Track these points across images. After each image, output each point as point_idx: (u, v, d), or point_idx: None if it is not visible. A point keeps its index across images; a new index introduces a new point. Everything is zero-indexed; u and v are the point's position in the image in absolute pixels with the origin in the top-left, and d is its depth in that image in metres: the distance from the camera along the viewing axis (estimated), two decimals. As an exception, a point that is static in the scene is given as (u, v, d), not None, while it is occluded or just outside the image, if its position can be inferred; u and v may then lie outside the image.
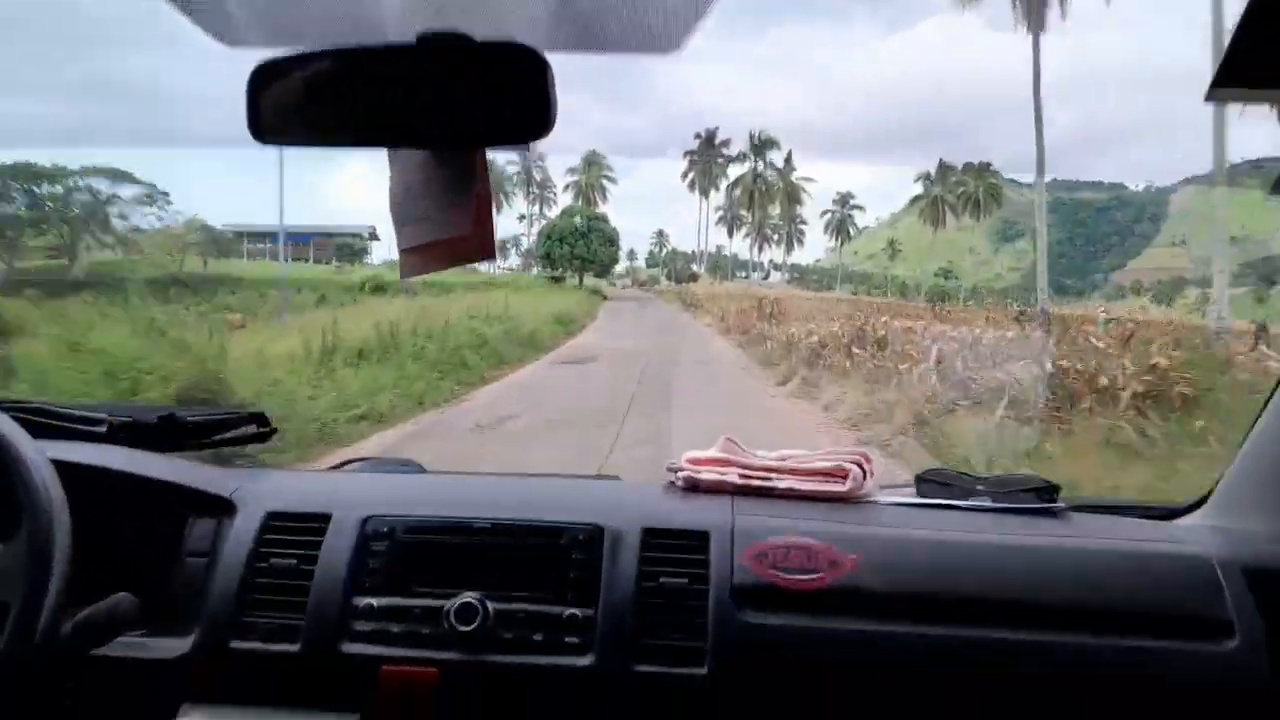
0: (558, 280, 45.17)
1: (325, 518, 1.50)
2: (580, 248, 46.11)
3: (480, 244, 1.11)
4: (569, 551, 1.44)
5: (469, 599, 1.38)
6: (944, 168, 75.41)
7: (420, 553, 1.46)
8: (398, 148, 1.07)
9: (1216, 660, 1.33)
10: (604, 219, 50.46)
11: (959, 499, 1.64)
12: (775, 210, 76.91)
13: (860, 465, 1.62)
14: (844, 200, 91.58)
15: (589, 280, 48.61)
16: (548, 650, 1.38)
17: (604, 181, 72.82)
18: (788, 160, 74.46)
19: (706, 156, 74.05)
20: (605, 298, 42.77)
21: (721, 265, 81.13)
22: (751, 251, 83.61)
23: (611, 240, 48.16)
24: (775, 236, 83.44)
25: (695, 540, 1.45)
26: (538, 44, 0.89)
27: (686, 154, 75.38)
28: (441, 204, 1.08)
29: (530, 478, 1.91)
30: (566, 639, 1.38)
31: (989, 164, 73.70)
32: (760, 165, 73.79)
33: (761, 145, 73.84)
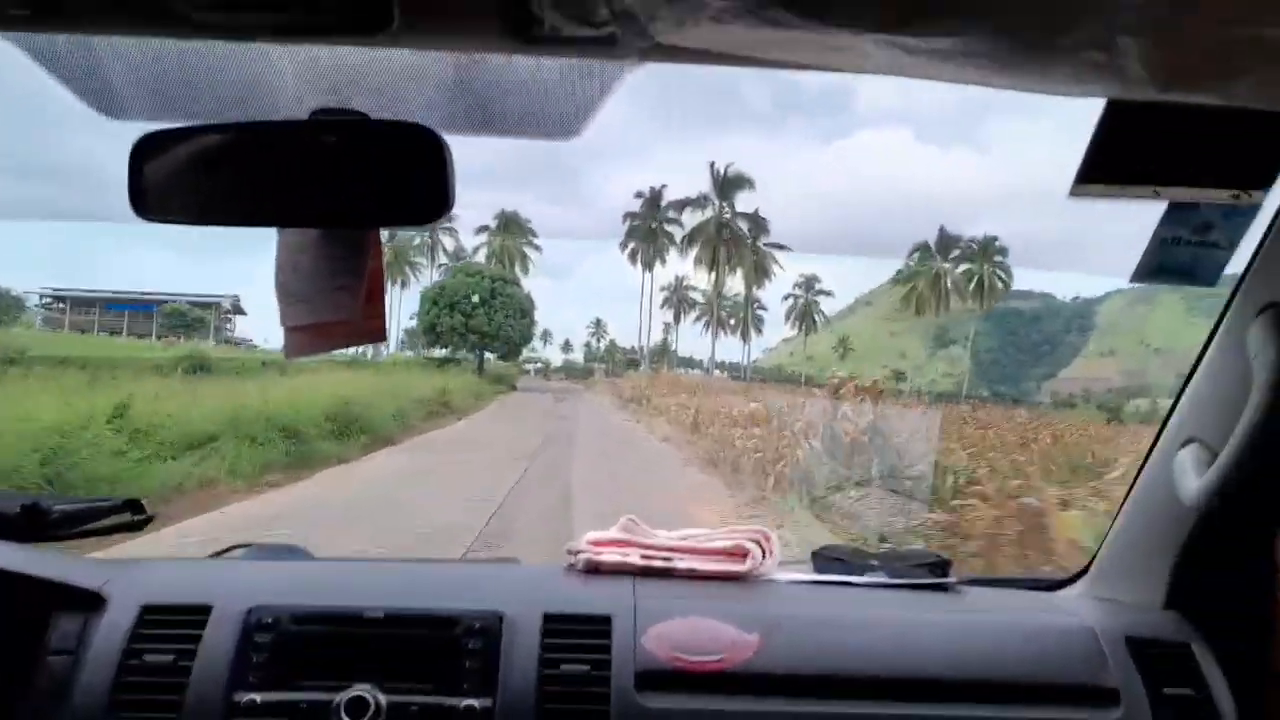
0: (445, 363, 34.78)
1: (205, 609, 1.41)
2: (479, 318, 35.13)
3: (370, 327, 1.09)
4: (466, 640, 1.39)
5: (360, 692, 1.31)
6: (946, 239, 64.45)
7: (308, 644, 1.39)
8: (289, 226, 1.04)
9: None
10: (514, 283, 39.43)
11: (855, 575, 1.67)
12: (737, 281, 63.31)
13: (759, 544, 1.63)
14: (809, 284, 78.97)
15: (491, 363, 38.25)
16: None
17: (525, 249, 59.24)
18: (756, 221, 59.46)
19: (651, 219, 60.88)
20: (513, 387, 35.70)
21: (660, 359, 67.87)
22: (710, 338, 67.65)
23: (523, 310, 37.31)
24: (731, 321, 69.95)
25: (597, 625, 1.42)
26: (435, 124, 0.89)
27: (626, 216, 61.67)
28: (330, 284, 1.05)
29: (424, 563, 1.84)
30: None
31: (995, 238, 64.76)
32: (727, 211, 58.68)
33: (727, 184, 58.05)
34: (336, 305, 1.05)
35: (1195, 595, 1.50)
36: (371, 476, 11.53)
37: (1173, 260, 1.15)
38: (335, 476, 11.31)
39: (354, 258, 1.03)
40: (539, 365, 61.91)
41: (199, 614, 1.41)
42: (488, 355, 37.76)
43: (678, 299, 72.79)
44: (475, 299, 35.50)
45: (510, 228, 59.10)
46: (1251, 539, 1.42)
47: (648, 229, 60.89)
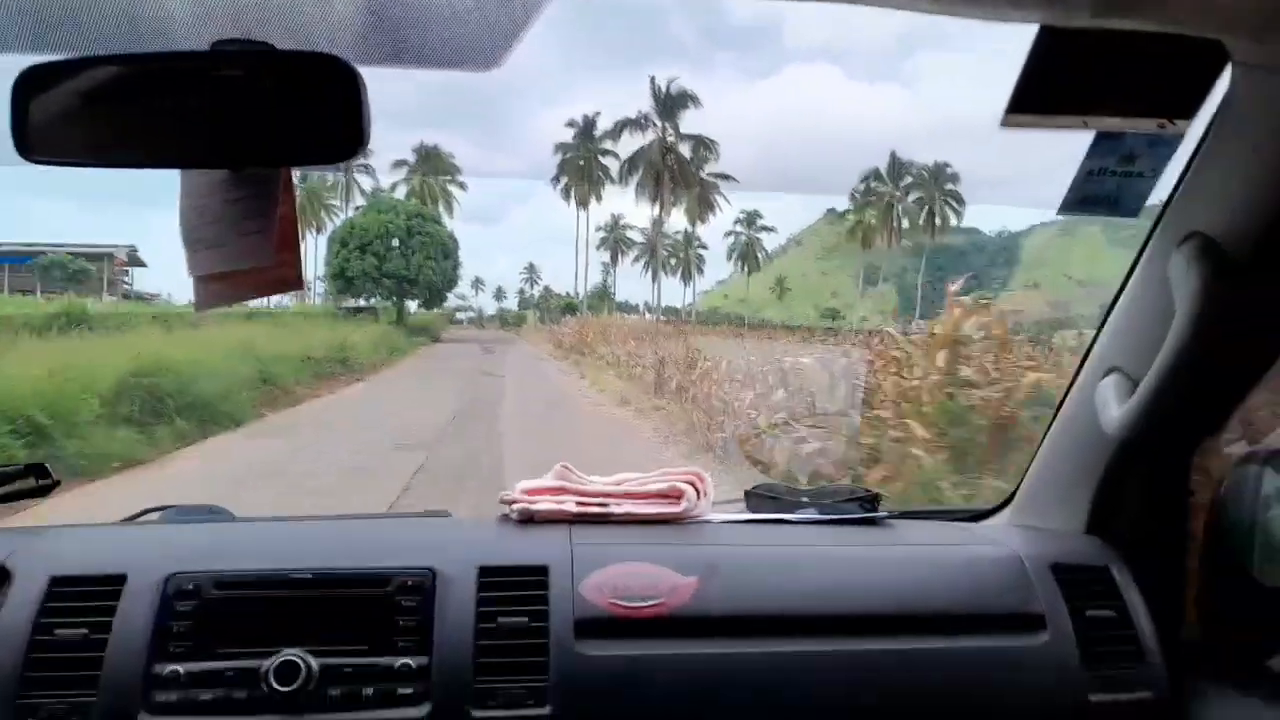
0: (359, 312, 30.45)
1: (120, 579, 1.35)
2: (394, 260, 30.73)
3: (283, 275, 1.03)
4: (399, 598, 1.35)
5: (289, 656, 1.27)
6: (897, 164, 59.09)
7: (232, 610, 1.33)
8: (191, 168, 0.97)
9: (1031, 653, 1.41)
10: (434, 219, 33.95)
11: (787, 513, 1.69)
12: (678, 218, 57.47)
13: (694, 485, 1.63)
14: (750, 220, 71.71)
15: (414, 313, 33.73)
16: (379, 704, 1.29)
17: (450, 187, 51.86)
18: (702, 144, 52.10)
19: (585, 151, 53.80)
20: (436, 339, 31.79)
21: (600, 302, 60.06)
22: (651, 279, 62.10)
23: (446, 250, 32.34)
24: (672, 261, 65.14)
25: (533, 575, 1.40)
26: (347, 56, 0.83)
27: (558, 148, 54.21)
28: (239, 230, 0.98)
29: (353, 519, 1.80)
30: (400, 690, 1.30)
31: (947, 164, 59.49)
32: (670, 134, 51.37)
33: (670, 103, 51.14)
34: (247, 252, 0.99)
35: (1115, 520, 1.55)
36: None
37: (1098, 191, 1.16)
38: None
39: (263, 200, 0.97)
40: (472, 314, 57.44)
41: (113, 584, 1.34)
42: (409, 303, 33.35)
43: (615, 239, 66.71)
44: (392, 240, 31.25)
45: (432, 162, 51.73)
46: (1168, 464, 1.47)
47: (581, 161, 54.17)
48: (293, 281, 1.04)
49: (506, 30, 0.85)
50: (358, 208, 41.86)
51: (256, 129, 0.87)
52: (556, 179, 55.20)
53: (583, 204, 55.00)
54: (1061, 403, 1.63)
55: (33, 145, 0.85)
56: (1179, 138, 1.09)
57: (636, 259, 67.61)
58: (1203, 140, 1.15)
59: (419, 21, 0.86)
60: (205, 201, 0.98)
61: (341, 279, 30.86)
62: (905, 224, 59.58)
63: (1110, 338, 1.48)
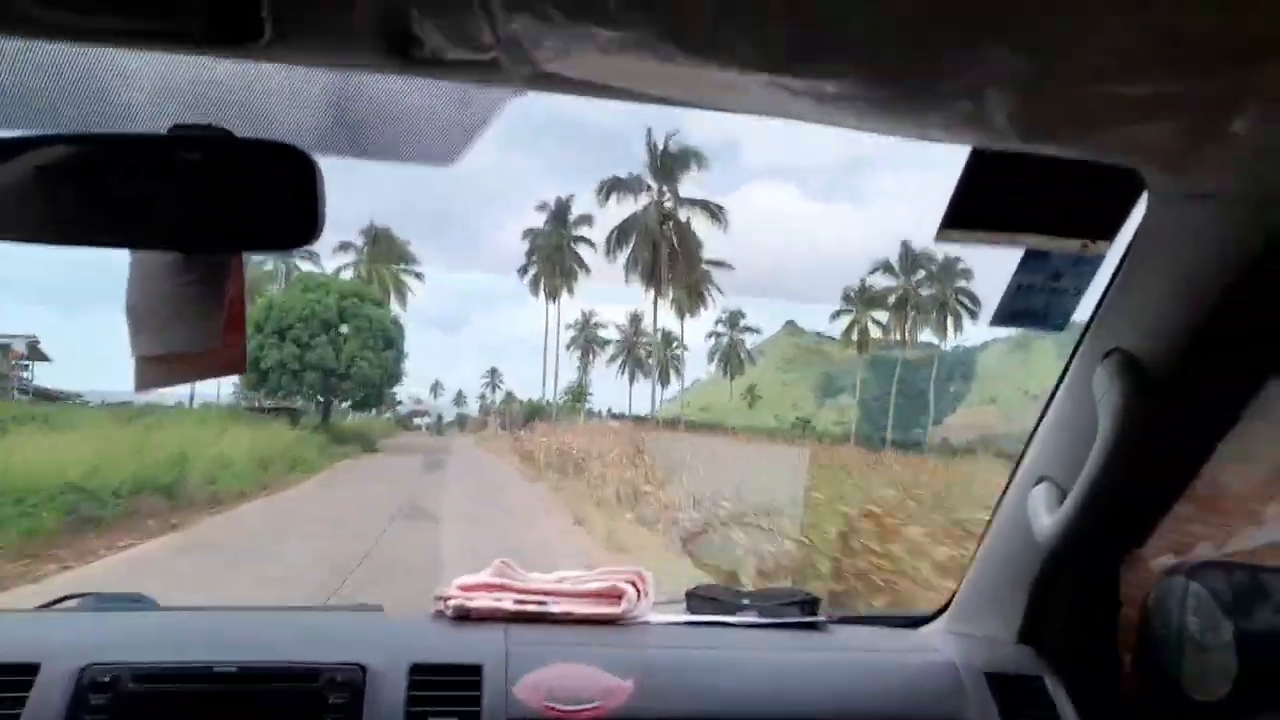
0: (277, 411, 24.21)
1: (32, 668, 1.28)
2: (320, 349, 24.68)
3: (229, 357, 1.02)
4: (327, 694, 1.31)
5: None
6: (911, 257, 52.24)
7: (151, 705, 1.27)
8: (143, 249, 0.97)
9: None
10: (375, 301, 28.66)
11: (727, 614, 1.68)
12: (664, 304, 48.05)
13: (634, 585, 1.62)
14: (733, 320, 67.59)
15: (343, 415, 28.25)
16: None
17: (405, 276, 46.04)
18: (707, 213, 44.03)
19: (558, 237, 48.27)
20: (370, 449, 25.53)
21: (568, 408, 53.97)
22: (626, 382, 59.46)
23: (389, 339, 26.99)
24: (650, 361, 58.44)
25: (466, 675, 1.37)
26: (306, 145, 0.85)
27: (526, 234, 49.51)
28: (188, 313, 0.98)
29: (281, 611, 1.74)
30: None
31: (958, 259, 51.95)
32: (669, 197, 43.74)
33: (671, 161, 43.08)
34: (194, 335, 0.98)
35: (1047, 629, 1.57)
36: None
37: (1027, 305, 1.22)
38: None
39: (214, 284, 0.97)
40: (428, 420, 52.91)
41: (24, 674, 1.28)
42: (341, 402, 27.40)
43: (586, 338, 63.21)
44: (319, 325, 25.12)
45: (382, 246, 45.14)
46: (1098, 574, 1.50)
47: (554, 247, 48.84)
48: (237, 364, 1.03)
49: (467, 127, 0.88)
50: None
51: (211, 213, 0.88)
52: (525, 269, 50.14)
53: (553, 296, 49.92)
54: (995, 510, 1.66)
55: None
56: (1100, 258, 1.16)
57: (612, 359, 63.43)
58: (1123, 261, 1.22)
59: (380, 115, 0.88)
60: (153, 283, 0.97)
61: (254, 371, 24.41)
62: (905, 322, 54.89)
63: (1040, 447, 1.52)
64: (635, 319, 57.62)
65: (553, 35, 0.65)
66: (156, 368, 1.02)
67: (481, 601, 1.56)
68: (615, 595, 1.60)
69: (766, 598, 1.74)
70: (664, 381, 61.91)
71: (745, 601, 1.73)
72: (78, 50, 0.78)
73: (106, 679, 1.28)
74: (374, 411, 32.27)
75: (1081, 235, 1.10)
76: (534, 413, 46.65)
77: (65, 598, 1.70)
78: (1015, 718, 1.45)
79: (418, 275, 48.78)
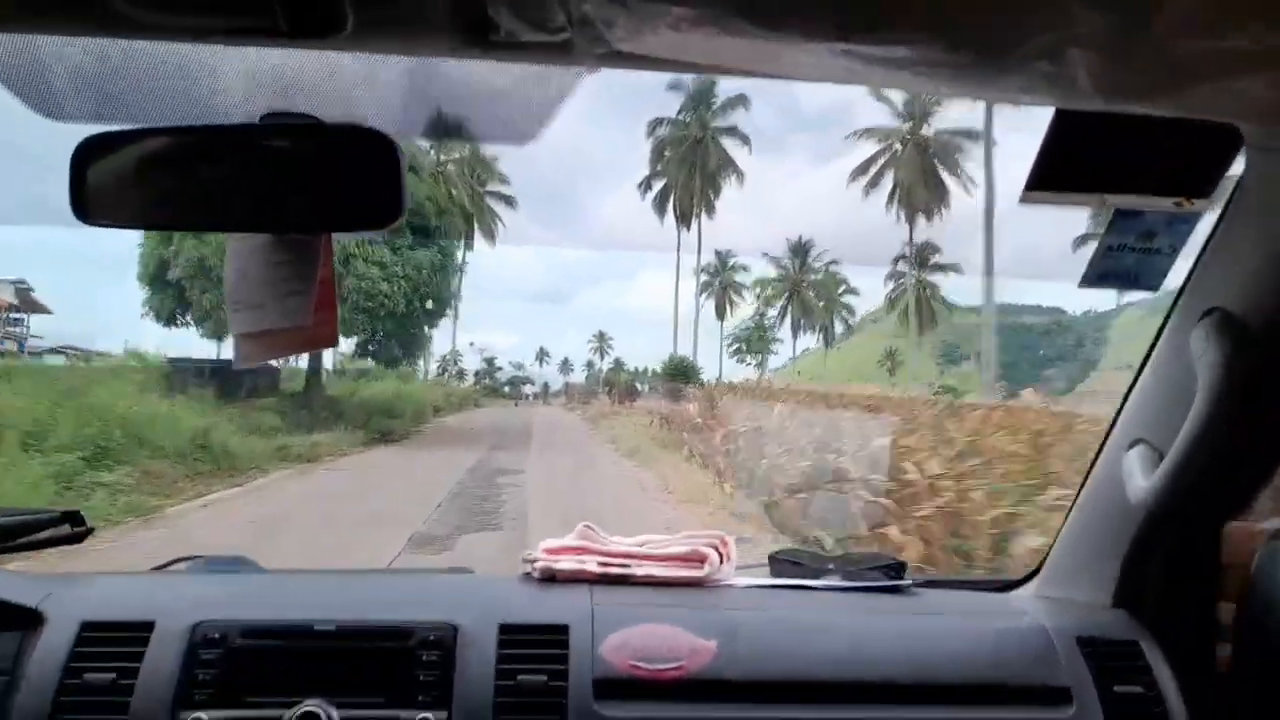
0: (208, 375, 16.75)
1: (148, 625, 1.37)
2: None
3: (320, 333, 1.07)
4: (420, 652, 1.37)
5: (311, 707, 1.28)
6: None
7: (257, 659, 1.35)
8: (239, 232, 1.02)
9: None
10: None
11: (811, 579, 1.68)
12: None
13: (716, 549, 1.63)
14: (923, 258, 49.26)
15: (372, 373, 21.89)
16: None
17: (492, 203, 37.61)
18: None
19: (697, 126, 38.55)
20: (388, 437, 18.33)
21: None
22: (791, 337, 47.38)
23: (438, 264, 19.87)
24: (822, 304, 49.72)
25: (554, 634, 1.41)
26: (389, 129, 0.87)
27: (651, 127, 39.61)
28: (281, 292, 1.03)
29: (377, 573, 1.82)
30: None
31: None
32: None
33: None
34: (287, 312, 1.03)
35: (1143, 594, 1.53)
36: None
37: (1118, 266, 1.18)
38: None
39: (305, 264, 1.01)
40: (533, 387, 46.31)
41: (141, 630, 1.37)
42: (347, 355, 20.04)
43: (722, 283, 46.09)
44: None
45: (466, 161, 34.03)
46: (1197, 537, 1.45)
47: (692, 141, 37.67)
48: (329, 339, 1.08)
49: (543, 106, 0.89)
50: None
51: (300, 196, 0.91)
52: (648, 182, 38.36)
53: (684, 220, 36.87)
54: (1088, 474, 1.62)
55: (89, 209, 0.90)
56: (1197, 215, 1.11)
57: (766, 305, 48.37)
58: (1220, 218, 1.17)
59: (458, 97, 0.90)
60: (249, 264, 1.02)
61: (159, 285, 17.17)
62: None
63: (1135, 410, 1.47)
64: (802, 249, 42.26)
65: (624, 14, 0.66)
66: (254, 344, 1.08)
67: (566, 564, 1.60)
68: (698, 559, 1.61)
69: (851, 561, 1.74)
70: (828, 340, 51.53)
71: (829, 565, 1.72)
72: (172, 47, 0.82)
73: (216, 635, 1.36)
74: (418, 363, 25.15)
75: (1175, 193, 1.05)
76: (679, 372, 38.56)
77: (176, 560, 1.82)
78: (1110, 683, 1.43)
79: (509, 201, 39.58)
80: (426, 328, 22.76)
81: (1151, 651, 1.47)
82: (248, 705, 1.31)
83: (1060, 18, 0.63)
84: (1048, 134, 0.95)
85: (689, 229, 38.93)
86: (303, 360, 19.74)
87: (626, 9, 0.65)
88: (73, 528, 1.70)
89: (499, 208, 39.41)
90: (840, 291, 52.58)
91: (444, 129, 0.97)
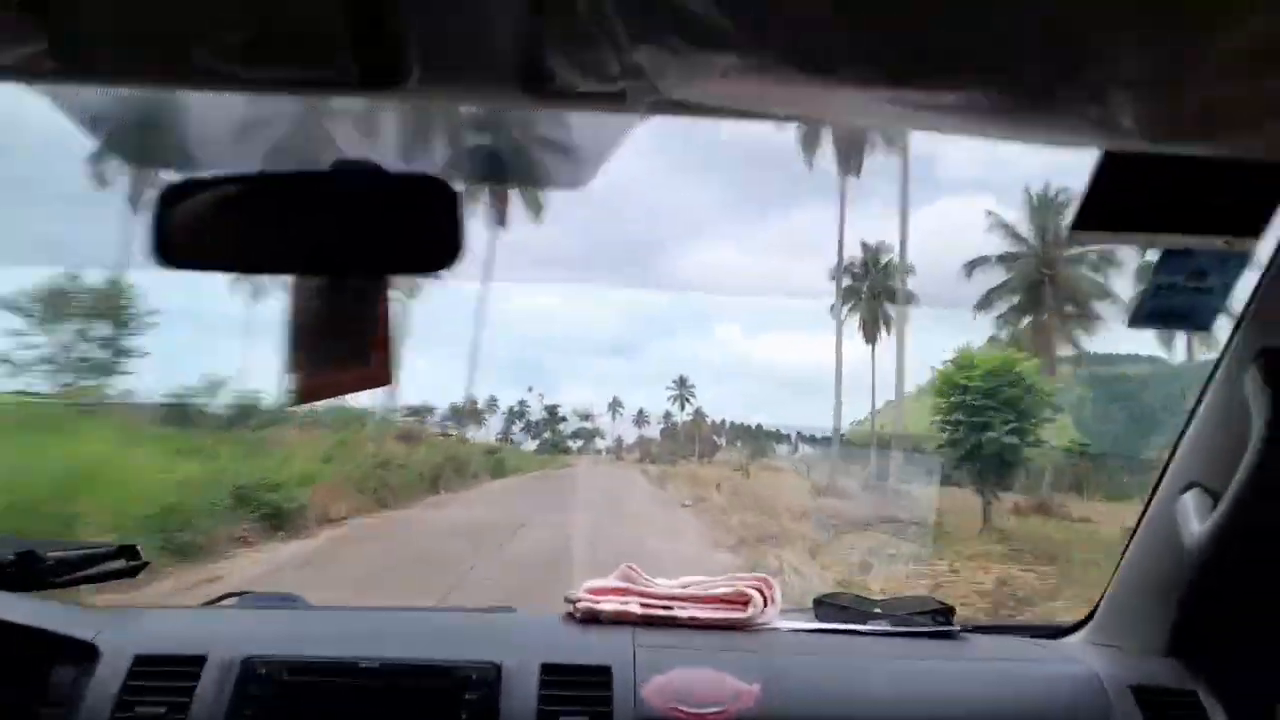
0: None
1: (200, 660, 1.40)
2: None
3: (377, 374, 1.10)
4: (463, 691, 1.37)
5: None
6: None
7: (304, 695, 1.37)
8: (307, 275, 1.06)
9: None
10: None
11: (857, 623, 1.66)
12: None
13: (760, 591, 1.62)
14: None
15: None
16: None
17: None
18: None
19: None
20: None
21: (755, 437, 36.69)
22: None
23: None
24: None
25: (596, 676, 1.41)
26: (448, 175, 0.91)
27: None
28: (340, 332, 1.06)
29: (421, 611, 1.83)
30: None
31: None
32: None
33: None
34: (345, 353, 1.06)
35: (1200, 641, 1.49)
36: None
37: (1169, 305, 1.17)
38: None
39: (365, 305, 1.05)
40: (607, 442, 39.81)
41: (193, 665, 1.40)
42: None
43: (871, 291, 30.15)
44: None
45: None
46: (1256, 584, 1.42)
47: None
48: (386, 379, 1.10)
49: (596, 153, 0.92)
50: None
51: (364, 241, 0.95)
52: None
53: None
54: (1141, 518, 1.59)
55: (169, 253, 0.94)
56: (1249, 254, 1.10)
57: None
58: (1274, 257, 1.16)
59: (514, 146, 0.93)
60: (310, 305, 1.06)
61: None
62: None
63: (1188, 453, 1.45)
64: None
65: (675, 63, 0.68)
66: (311, 383, 1.11)
67: (609, 605, 1.60)
68: (741, 601, 1.61)
69: (898, 606, 1.72)
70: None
71: (876, 610, 1.71)
72: (249, 99, 0.86)
73: (264, 671, 1.38)
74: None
75: (1223, 232, 1.05)
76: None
77: (226, 595, 1.85)
78: None
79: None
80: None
81: (1210, 702, 1.43)
82: None
83: (1106, 61, 0.65)
84: (1094, 173, 0.96)
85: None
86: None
87: (678, 58, 0.67)
88: (128, 561, 1.74)
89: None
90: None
91: (501, 176, 1.00)
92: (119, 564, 1.74)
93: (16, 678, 1.39)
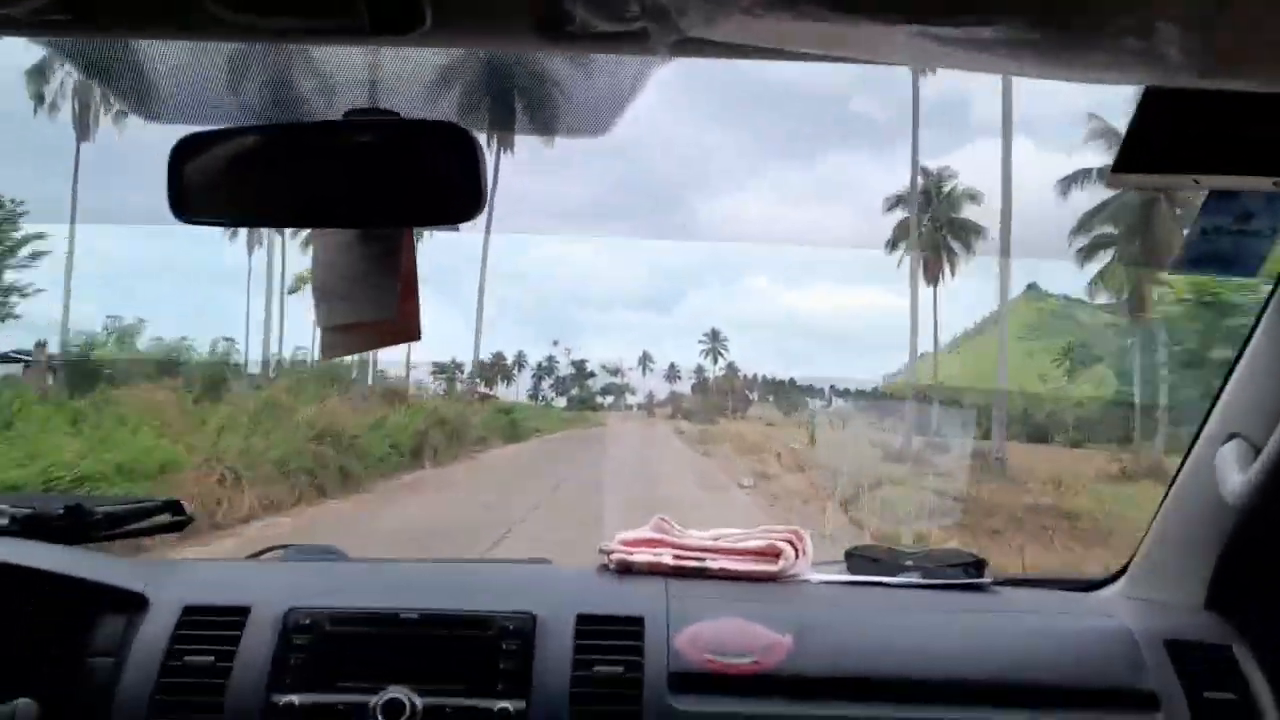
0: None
1: (244, 610, 1.43)
2: None
3: (404, 326, 1.10)
4: (500, 641, 1.39)
5: (396, 694, 1.32)
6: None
7: (345, 645, 1.40)
8: (325, 227, 1.05)
9: None
10: None
11: (889, 575, 1.65)
12: None
13: (792, 544, 1.62)
14: None
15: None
16: None
17: None
18: None
19: None
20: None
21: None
22: None
23: None
24: None
25: (630, 626, 1.42)
26: (466, 122, 0.89)
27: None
28: (366, 285, 1.06)
29: (458, 563, 1.86)
30: None
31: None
32: None
33: None
34: (374, 305, 1.06)
35: (1237, 596, 1.47)
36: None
37: (1214, 250, 1.13)
38: None
39: (389, 257, 1.04)
40: (636, 398, 38.39)
41: (238, 615, 1.43)
42: None
43: (934, 223, 26.80)
44: None
45: None
46: None
47: None
48: (413, 332, 1.10)
49: (617, 97, 0.90)
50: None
51: (383, 191, 0.94)
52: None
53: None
54: (1179, 471, 1.56)
55: (186, 206, 0.94)
56: None
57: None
58: None
59: (534, 91, 0.91)
60: (336, 258, 1.06)
61: None
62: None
63: (1230, 403, 1.41)
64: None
65: (698, 1, 0.66)
66: (339, 337, 1.11)
67: (642, 556, 1.61)
68: (773, 553, 1.61)
69: (930, 558, 1.71)
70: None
71: (908, 562, 1.70)
72: (260, 49, 0.85)
73: (307, 621, 1.41)
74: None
75: (1273, 172, 1.00)
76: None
77: (270, 549, 1.89)
78: (1200, 689, 1.37)
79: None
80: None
81: (1245, 656, 1.41)
82: (336, 690, 1.35)
83: None
84: (1136, 113, 0.92)
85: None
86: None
87: None
88: (174, 516, 1.78)
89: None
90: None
91: (520, 121, 0.99)
92: (164, 518, 1.78)
93: (68, 628, 1.43)
